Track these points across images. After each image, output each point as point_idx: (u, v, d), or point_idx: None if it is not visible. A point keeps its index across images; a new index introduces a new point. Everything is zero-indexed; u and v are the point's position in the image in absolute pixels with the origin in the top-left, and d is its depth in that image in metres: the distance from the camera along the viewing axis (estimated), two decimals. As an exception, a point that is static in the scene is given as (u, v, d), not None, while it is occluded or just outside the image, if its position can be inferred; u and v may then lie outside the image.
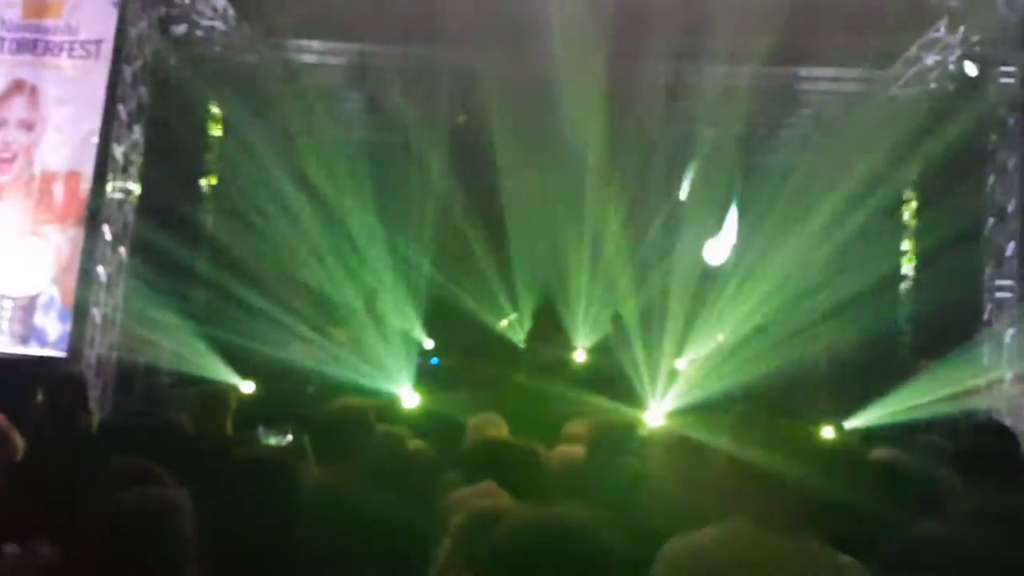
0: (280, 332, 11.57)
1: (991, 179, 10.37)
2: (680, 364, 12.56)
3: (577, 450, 4.16)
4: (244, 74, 12.55)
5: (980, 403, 10.07)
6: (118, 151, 10.16)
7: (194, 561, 2.18)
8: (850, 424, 10.23)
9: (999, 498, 3.19)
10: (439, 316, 13.85)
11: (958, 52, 11.07)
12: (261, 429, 4.06)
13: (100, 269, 9.99)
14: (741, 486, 2.31)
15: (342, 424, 3.19)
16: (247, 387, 10.30)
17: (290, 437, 3.80)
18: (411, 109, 13.16)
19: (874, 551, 2.85)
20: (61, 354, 9.57)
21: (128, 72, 10.18)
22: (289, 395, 9.56)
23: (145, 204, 10.48)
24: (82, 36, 10.02)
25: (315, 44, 12.79)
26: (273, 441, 3.95)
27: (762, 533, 2.26)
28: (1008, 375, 10.08)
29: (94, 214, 9.90)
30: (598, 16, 10.12)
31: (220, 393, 4.39)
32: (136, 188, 10.38)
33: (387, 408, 8.91)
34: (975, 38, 10.70)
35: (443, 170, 13.91)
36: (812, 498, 2.31)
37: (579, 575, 2.01)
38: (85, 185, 9.87)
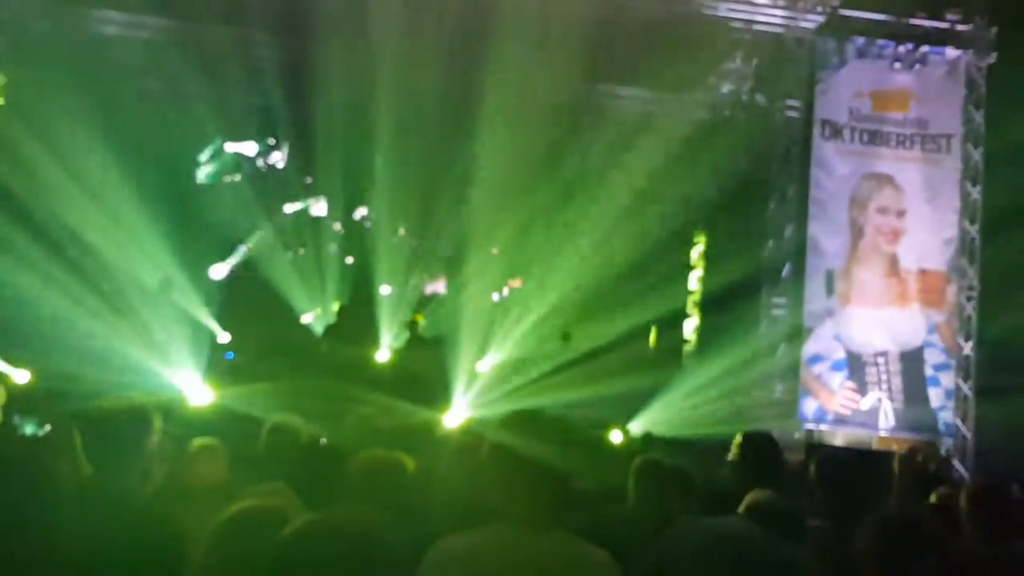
0: (61, 319, 10.81)
1: (772, 204, 11.14)
2: (483, 368, 12.73)
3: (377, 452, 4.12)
4: (36, 42, 11.65)
5: (754, 411, 10.82)
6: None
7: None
8: (636, 427, 10.69)
9: (765, 498, 3.47)
10: (236, 309, 13.37)
11: (751, 83, 11.83)
12: (17, 417, 3.73)
13: None
14: (510, 486, 2.38)
15: (118, 420, 2.99)
16: (21, 376, 9.54)
17: (48, 428, 3.53)
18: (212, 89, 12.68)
19: (640, 548, 3.01)
20: None
21: None
22: (66, 386, 8.93)
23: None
24: None
25: (115, 15, 12.07)
26: (29, 431, 3.64)
27: (522, 534, 2.35)
28: (779, 385, 10.86)
29: None
30: (403, 16, 10.12)
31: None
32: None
33: (174, 404, 8.54)
34: (767, 71, 11.47)
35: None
36: (578, 497, 2.42)
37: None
38: None
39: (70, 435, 3.44)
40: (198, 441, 4.30)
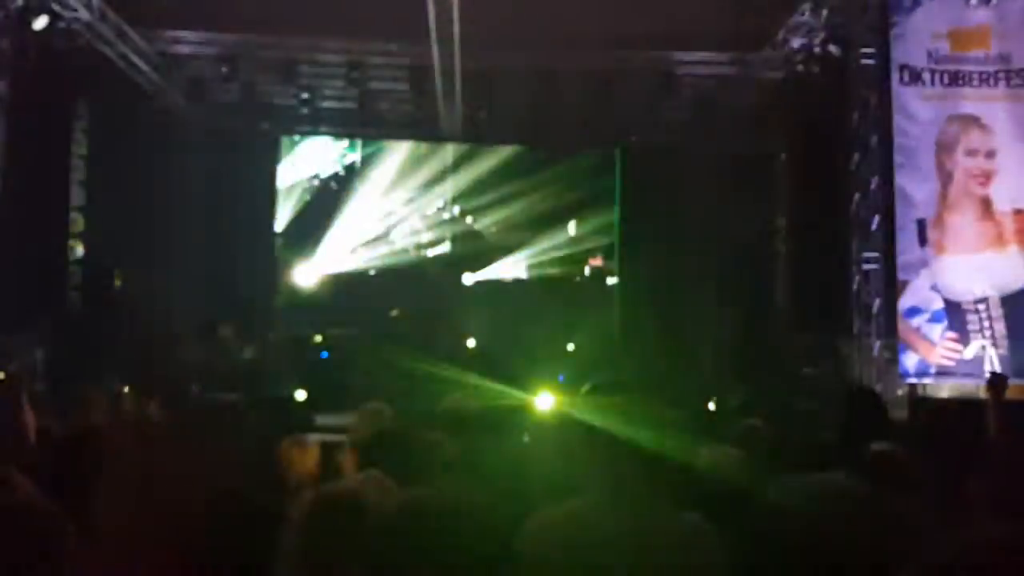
0: (162, 327, 11.25)
1: (856, 156, 10.84)
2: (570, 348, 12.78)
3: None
4: (112, 66, 12.09)
5: (853, 370, 10.60)
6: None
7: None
8: (728, 396, 10.60)
9: (866, 457, 3.43)
10: (329, 309, 13.73)
11: (822, 35, 11.51)
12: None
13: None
14: (603, 459, 2.41)
15: (213, 416, 3.14)
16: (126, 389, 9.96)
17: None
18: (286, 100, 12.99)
19: (740, 511, 3.00)
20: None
21: (-14, 67, 9.72)
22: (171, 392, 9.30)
23: (7, 202, 9.94)
24: None
25: (186, 34, 12.44)
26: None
27: (617, 503, 2.38)
28: (877, 343, 10.60)
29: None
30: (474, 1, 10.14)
31: (89, 398, 4.27)
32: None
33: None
34: (838, 21, 11.15)
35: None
36: (670, 467, 2.43)
37: (456, 553, 2.04)
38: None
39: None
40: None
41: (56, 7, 10.79)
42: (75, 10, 11.00)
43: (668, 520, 2.42)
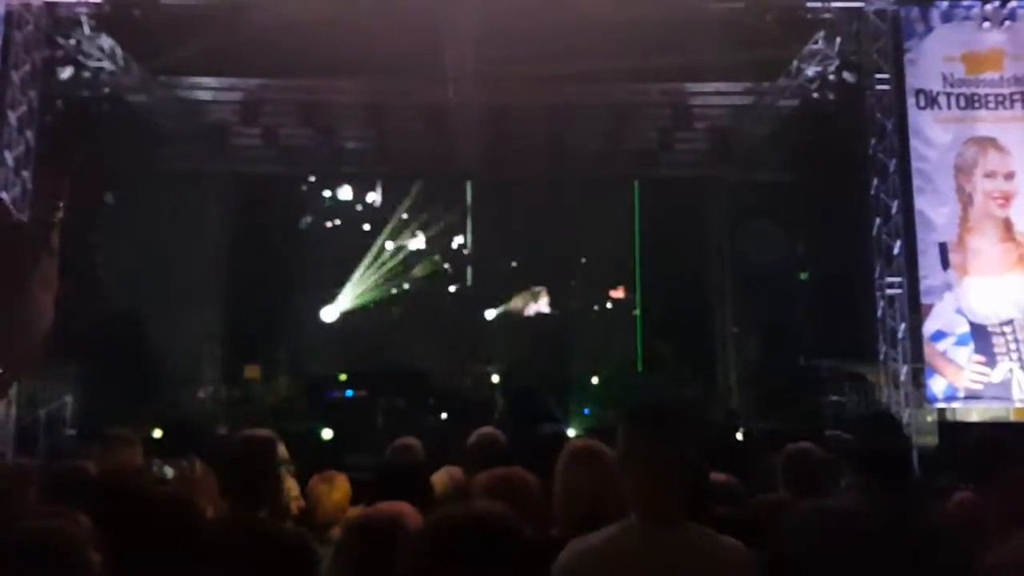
0: (188, 371, 11.32)
1: (874, 182, 10.83)
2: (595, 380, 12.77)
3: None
4: (135, 113, 12.32)
5: (880, 396, 10.52)
6: (4, 193, 9.89)
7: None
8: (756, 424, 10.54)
9: (885, 484, 3.39)
10: (352, 347, 13.78)
11: (836, 62, 11.57)
12: (155, 460, 3.98)
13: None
14: (641, 483, 2.41)
15: (247, 456, 3.16)
16: (156, 432, 10.04)
17: (184, 463, 3.77)
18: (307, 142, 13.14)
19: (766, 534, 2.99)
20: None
21: (13, 118, 9.92)
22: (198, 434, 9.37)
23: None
24: None
25: (209, 80, 12.67)
26: (168, 470, 3.87)
27: (654, 528, 2.37)
28: (903, 368, 10.52)
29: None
30: (490, 40, 10.26)
31: (122, 438, 4.35)
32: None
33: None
34: (851, 48, 11.20)
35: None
36: (703, 492, 2.43)
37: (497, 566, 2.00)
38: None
39: (206, 473, 3.66)
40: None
41: (81, 58, 11.03)
42: (99, 60, 11.24)
43: (708, 547, 2.41)
